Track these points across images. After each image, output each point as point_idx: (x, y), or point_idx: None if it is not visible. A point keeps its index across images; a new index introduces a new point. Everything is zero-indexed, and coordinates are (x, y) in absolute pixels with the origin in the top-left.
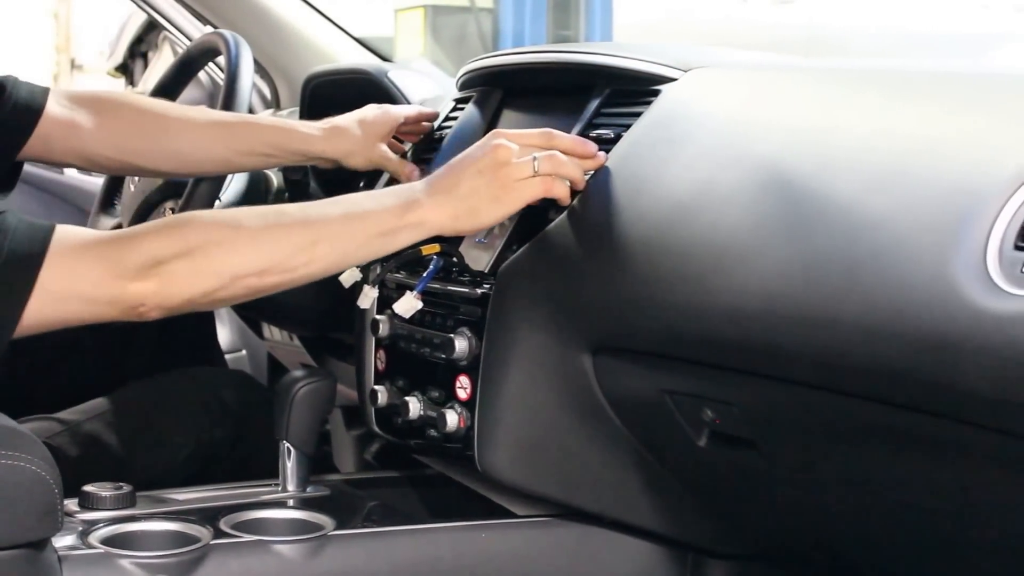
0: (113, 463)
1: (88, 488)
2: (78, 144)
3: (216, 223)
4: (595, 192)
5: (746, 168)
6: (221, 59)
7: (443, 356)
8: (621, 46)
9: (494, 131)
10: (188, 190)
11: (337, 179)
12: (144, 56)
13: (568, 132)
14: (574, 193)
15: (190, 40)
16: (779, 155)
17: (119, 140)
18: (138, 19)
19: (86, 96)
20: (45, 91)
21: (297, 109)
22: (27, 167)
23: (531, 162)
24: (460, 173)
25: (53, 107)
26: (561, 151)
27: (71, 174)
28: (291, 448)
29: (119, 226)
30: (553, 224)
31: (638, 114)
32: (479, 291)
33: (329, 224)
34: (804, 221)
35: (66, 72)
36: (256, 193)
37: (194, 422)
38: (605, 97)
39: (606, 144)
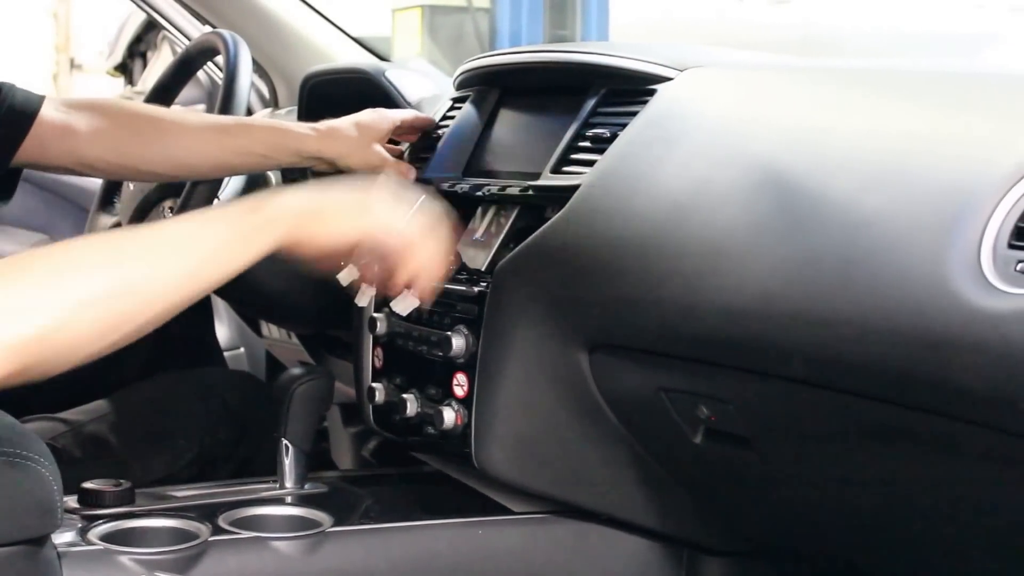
0: (117, 465)
1: (88, 485)
2: (74, 148)
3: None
4: (592, 190)
5: (741, 167)
6: (220, 58)
7: (440, 354)
8: (617, 46)
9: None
10: (187, 189)
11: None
12: (143, 56)
13: (565, 131)
14: None
15: (189, 39)
16: (774, 154)
17: (115, 144)
18: (137, 19)
19: (82, 102)
20: (41, 97)
21: (295, 108)
22: None
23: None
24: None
25: (49, 111)
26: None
27: None
28: (289, 445)
29: (118, 224)
30: (549, 223)
31: (634, 113)
32: (476, 289)
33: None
34: (799, 220)
35: (65, 72)
36: (253, 192)
37: (197, 424)
38: (601, 96)
39: (602, 143)
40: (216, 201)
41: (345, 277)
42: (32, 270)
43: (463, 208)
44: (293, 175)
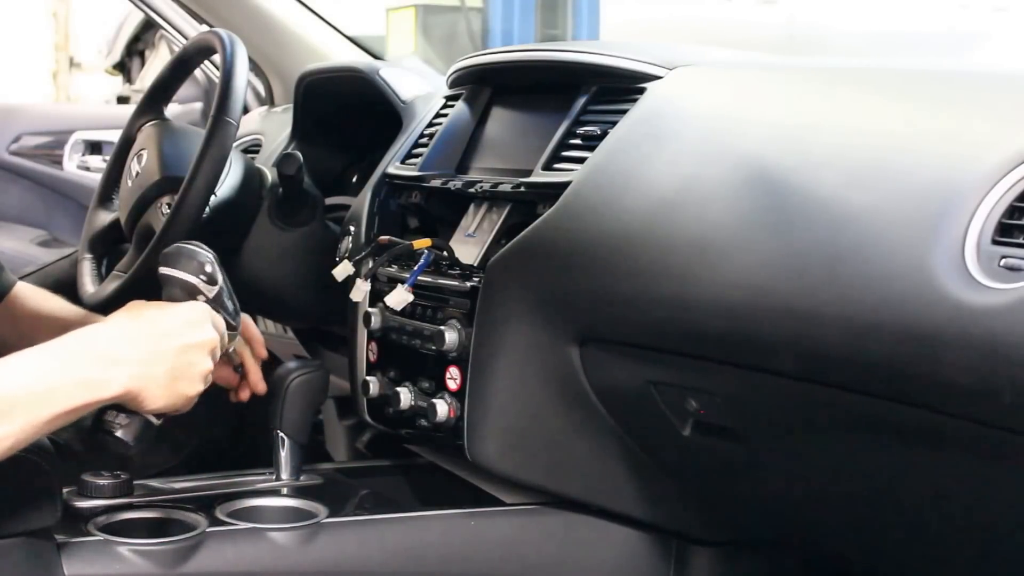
0: (115, 460)
1: (86, 477)
2: None
3: None
4: (582, 187)
5: (730, 164)
6: (217, 57)
7: (433, 348)
8: (608, 45)
9: (212, 316)
10: (184, 185)
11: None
12: (141, 54)
13: (556, 129)
14: None
15: (186, 39)
16: (762, 151)
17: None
18: (135, 18)
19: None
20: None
21: (291, 106)
22: (26, 162)
23: (208, 371)
24: (170, 357)
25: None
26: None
27: (70, 169)
28: (285, 438)
29: (117, 220)
30: (541, 219)
31: (624, 111)
32: (468, 284)
33: (13, 403)
34: (786, 216)
35: (65, 70)
36: (250, 189)
37: (195, 418)
38: (592, 95)
39: (593, 140)
40: (213, 198)
41: (340, 272)
42: None
43: (456, 205)
44: (288, 168)
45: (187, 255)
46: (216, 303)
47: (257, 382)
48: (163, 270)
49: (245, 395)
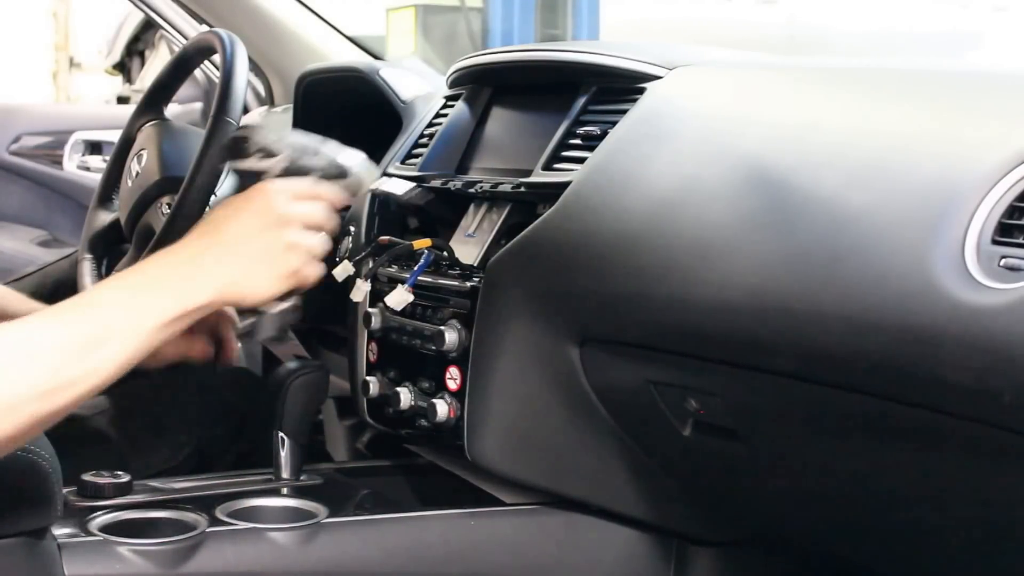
0: (116, 459)
1: (87, 477)
2: None
3: None
4: (582, 187)
5: (729, 164)
6: (217, 57)
7: (433, 348)
8: (608, 45)
9: (271, 192)
10: (184, 185)
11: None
12: (141, 54)
13: (556, 129)
14: None
15: (186, 39)
16: (762, 151)
17: None
18: (135, 18)
19: None
20: None
21: (291, 106)
22: (26, 162)
23: (314, 244)
24: (247, 247)
25: None
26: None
27: (70, 169)
28: (285, 438)
29: (117, 221)
30: (541, 219)
31: (624, 111)
32: (468, 284)
33: (108, 322)
34: (786, 216)
35: (65, 70)
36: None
37: (195, 418)
38: (592, 95)
39: (593, 140)
40: (213, 198)
41: (340, 273)
42: (54, 325)
43: (456, 205)
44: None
45: (240, 141)
46: (290, 172)
47: (230, 352)
48: (229, 164)
49: (225, 362)
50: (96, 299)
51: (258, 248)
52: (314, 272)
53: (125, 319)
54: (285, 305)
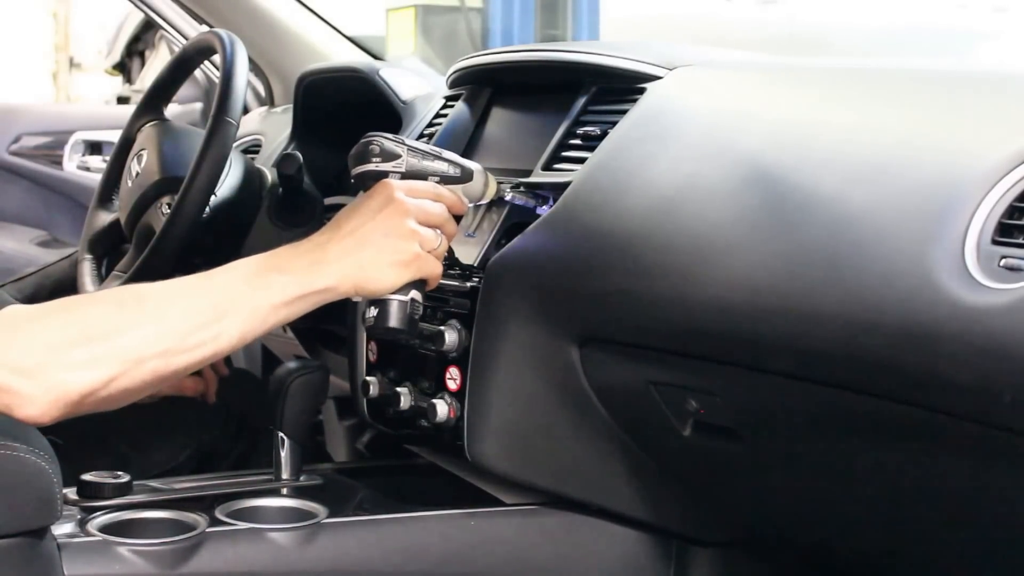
0: (116, 458)
1: (87, 477)
2: None
3: (114, 300)
4: (582, 187)
5: (730, 164)
6: (217, 58)
7: (433, 348)
8: (608, 45)
9: (390, 185)
10: (184, 185)
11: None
12: (141, 55)
13: (556, 129)
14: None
15: (186, 39)
16: (762, 151)
17: None
18: (135, 18)
19: None
20: None
21: (291, 106)
22: (26, 162)
23: (432, 239)
24: (367, 236)
25: None
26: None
27: (70, 169)
28: (285, 438)
29: (117, 221)
30: (541, 219)
31: (624, 111)
32: (468, 284)
33: (233, 296)
34: (786, 215)
35: (65, 70)
36: (250, 189)
37: (195, 418)
38: (592, 95)
39: (593, 140)
40: (213, 198)
41: None
42: (100, 326)
43: None
44: (288, 168)
45: (361, 150)
46: (411, 174)
47: (210, 394)
48: (354, 170)
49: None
50: (223, 274)
51: (378, 236)
52: (435, 268)
53: (249, 295)
54: (406, 297)
